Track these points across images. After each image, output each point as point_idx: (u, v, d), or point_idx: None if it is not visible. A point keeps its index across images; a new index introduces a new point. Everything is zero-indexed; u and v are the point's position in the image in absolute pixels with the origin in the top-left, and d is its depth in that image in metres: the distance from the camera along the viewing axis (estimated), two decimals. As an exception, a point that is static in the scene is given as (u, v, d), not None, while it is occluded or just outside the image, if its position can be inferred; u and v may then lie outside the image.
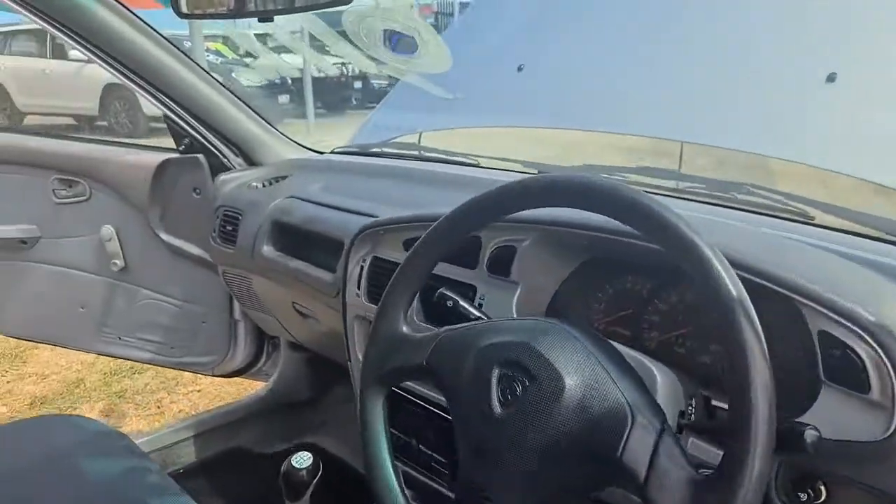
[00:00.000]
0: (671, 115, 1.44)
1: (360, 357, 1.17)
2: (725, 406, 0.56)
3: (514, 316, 0.92)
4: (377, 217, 1.23)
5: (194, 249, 1.73)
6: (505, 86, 1.55)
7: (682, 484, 0.53)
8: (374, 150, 1.67)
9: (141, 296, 1.84)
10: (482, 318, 0.81)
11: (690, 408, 0.66)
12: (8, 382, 2.67)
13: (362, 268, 1.14)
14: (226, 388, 2.55)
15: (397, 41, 1.43)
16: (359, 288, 1.14)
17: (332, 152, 1.70)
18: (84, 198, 1.80)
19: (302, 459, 0.90)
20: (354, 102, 11.62)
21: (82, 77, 8.05)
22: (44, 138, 1.82)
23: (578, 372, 0.61)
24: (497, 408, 0.62)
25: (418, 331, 0.76)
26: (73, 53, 8.40)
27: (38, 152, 1.80)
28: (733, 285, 0.54)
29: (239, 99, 1.53)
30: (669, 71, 1.49)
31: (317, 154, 1.69)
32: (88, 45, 1.36)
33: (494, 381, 0.63)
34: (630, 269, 0.93)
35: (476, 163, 1.49)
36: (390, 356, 0.75)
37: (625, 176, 1.23)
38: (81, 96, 8.17)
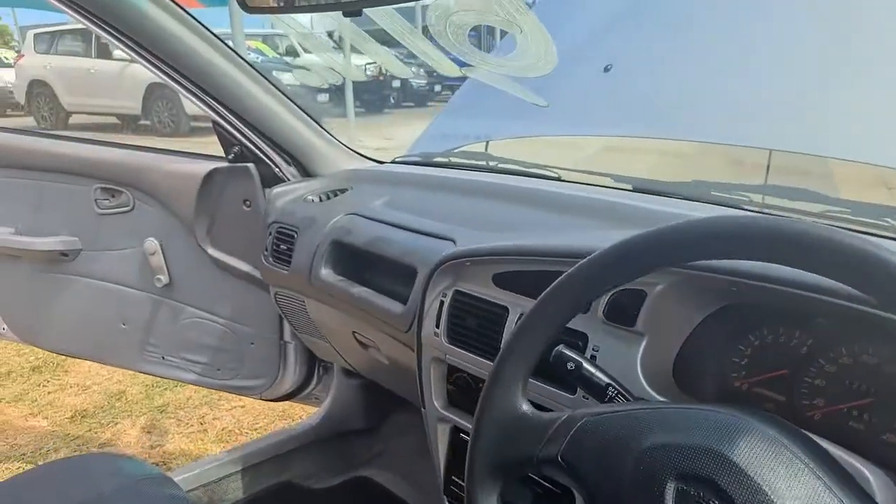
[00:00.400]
0: (780, 122, 1.24)
1: (436, 402, 1.02)
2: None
3: (640, 375, 0.75)
4: (453, 240, 1.08)
5: (243, 266, 1.60)
6: (588, 88, 1.37)
7: None
8: (439, 159, 1.52)
9: (186, 314, 1.72)
10: (616, 388, 0.65)
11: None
12: (49, 393, 2.60)
13: (442, 302, 0.98)
14: (270, 405, 2.43)
15: (489, 39, 1.26)
16: (437, 325, 0.98)
17: (392, 162, 1.55)
18: (127, 208, 1.69)
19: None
20: (392, 102, 11.55)
21: (126, 76, 8.10)
22: (86, 145, 1.71)
23: (793, 495, 0.44)
24: (676, 539, 0.46)
25: (541, 407, 0.60)
26: (118, 53, 8.48)
27: (80, 160, 1.69)
28: None
29: (294, 104, 1.39)
30: (777, 72, 1.30)
31: (376, 164, 1.54)
32: (134, 45, 1.24)
33: (671, 499, 0.47)
34: (783, 317, 0.75)
35: (557, 176, 1.32)
36: (509, 443, 0.59)
37: (749, 196, 1.05)
38: (125, 95, 8.23)
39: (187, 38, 1.21)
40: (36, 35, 9.71)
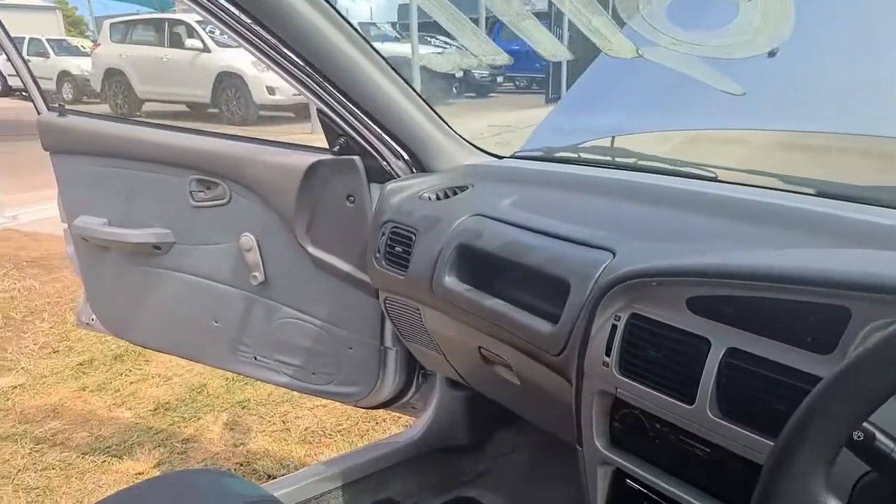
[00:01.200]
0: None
1: (598, 441, 0.87)
2: None
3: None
4: (612, 250, 0.92)
5: (344, 266, 1.49)
6: (745, 75, 1.19)
7: None
8: (565, 154, 1.36)
9: (281, 313, 1.62)
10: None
11: None
12: (131, 384, 2.58)
13: (615, 327, 0.82)
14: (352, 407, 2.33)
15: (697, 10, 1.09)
16: (608, 353, 0.83)
17: (512, 157, 1.40)
18: (223, 201, 1.60)
19: None
20: (454, 92, 11.42)
21: (197, 66, 8.22)
22: (183, 133, 1.63)
23: None
24: None
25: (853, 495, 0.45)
26: (189, 42, 8.61)
27: (176, 149, 1.61)
28: None
29: (415, 91, 1.25)
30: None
31: (495, 158, 1.39)
32: (243, 25, 1.13)
33: None
34: None
35: (714, 175, 1.15)
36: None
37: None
38: (196, 84, 8.35)
39: (307, 13, 1.09)
40: (111, 25, 9.98)
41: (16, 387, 2.57)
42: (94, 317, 1.94)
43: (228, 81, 8.02)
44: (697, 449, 0.77)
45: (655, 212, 1.03)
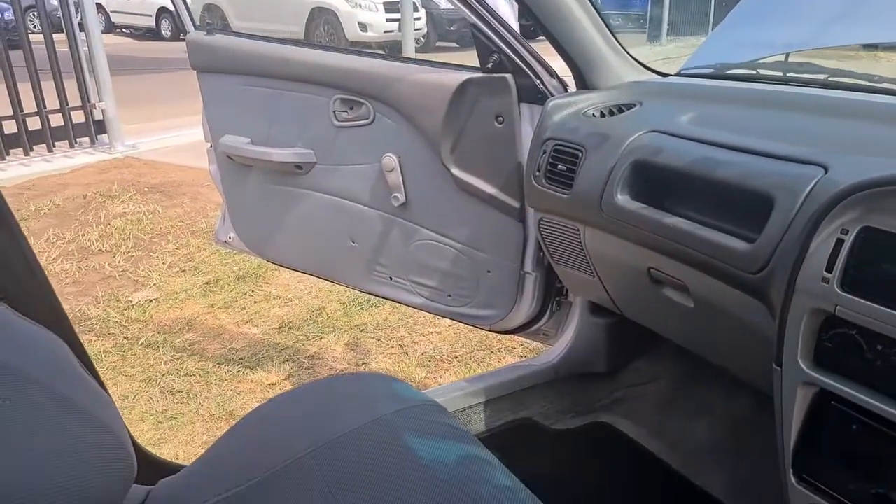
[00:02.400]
0: None
1: (802, 362, 0.83)
2: None
3: None
4: (823, 165, 0.86)
5: (488, 188, 1.48)
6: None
7: None
8: (739, 72, 1.28)
9: (420, 235, 1.65)
10: None
11: None
12: (255, 303, 2.72)
13: (840, 241, 0.78)
14: (467, 333, 2.38)
15: None
16: (829, 270, 0.78)
17: (678, 74, 1.33)
18: (367, 121, 1.62)
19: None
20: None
21: (291, 2, 8.26)
22: (328, 52, 1.64)
23: None
24: None
25: None
26: (283, -23, 8.64)
27: (320, 67, 1.63)
28: None
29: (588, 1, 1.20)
30: None
31: (659, 76, 1.32)
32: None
33: None
34: None
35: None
36: None
37: None
38: (290, 20, 8.43)
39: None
40: (207, -39, 10.14)
41: (151, 300, 2.76)
42: (232, 234, 2.04)
43: (321, 17, 8.05)
44: (926, 371, 0.73)
45: (863, 127, 0.96)
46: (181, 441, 1.91)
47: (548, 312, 1.61)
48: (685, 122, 1.11)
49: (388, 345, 2.38)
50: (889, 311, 0.73)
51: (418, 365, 2.25)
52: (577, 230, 1.24)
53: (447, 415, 1.09)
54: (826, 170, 0.86)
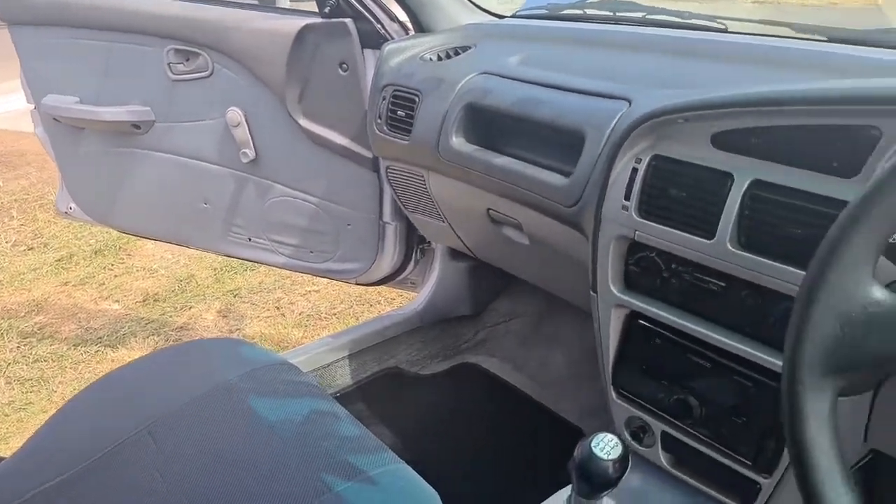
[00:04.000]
0: None
1: (613, 286, 0.89)
2: None
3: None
4: (628, 99, 0.91)
5: (339, 139, 1.45)
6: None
7: None
8: (571, 12, 1.31)
9: (275, 192, 1.60)
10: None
11: None
12: (116, 277, 2.56)
13: (635, 170, 0.83)
14: (346, 289, 2.37)
15: None
16: (627, 197, 0.83)
17: (514, 16, 1.34)
18: (205, 73, 1.52)
19: (606, 445, 0.65)
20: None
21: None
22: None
23: None
24: None
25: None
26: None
27: (150, 16, 1.50)
28: None
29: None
30: None
31: (496, 18, 1.33)
32: None
33: None
34: None
35: (724, 27, 1.12)
36: (860, 335, 0.46)
37: None
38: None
39: None
40: None
41: (-5, 283, 2.53)
42: (72, 204, 1.89)
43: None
44: (712, 284, 0.80)
45: (668, 62, 1.01)
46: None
47: (412, 261, 1.62)
48: (514, 63, 1.12)
49: (263, 308, 2.32)
50: (678, 232, 0.79)
51: (295, 326, 2.22)
52: (422, 176, 1.25)
53: (298, 373, 1.08)
54: (630, 103, 0.91)
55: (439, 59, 1.22)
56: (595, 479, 0.65)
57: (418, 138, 1.17)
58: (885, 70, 0.81)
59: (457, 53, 1.22)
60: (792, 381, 0.48)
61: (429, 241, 1.59)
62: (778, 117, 0.70)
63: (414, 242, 1.59)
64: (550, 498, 0.84)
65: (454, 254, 1.53)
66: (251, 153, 1.55)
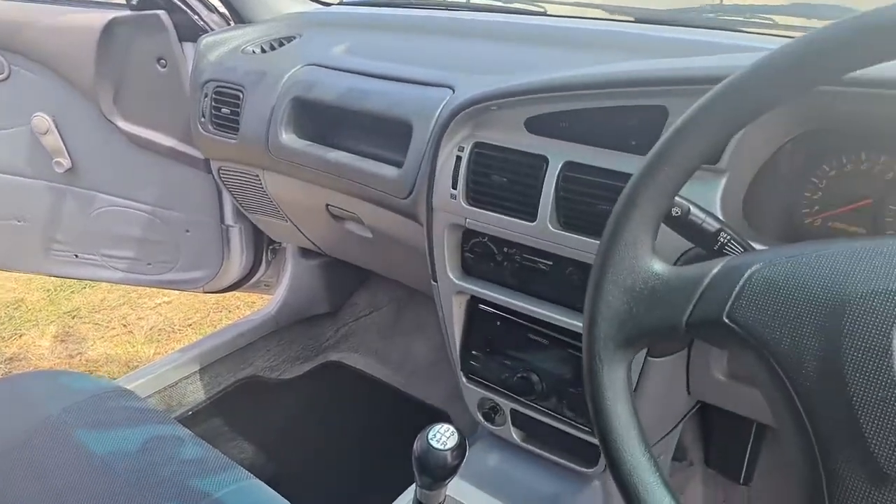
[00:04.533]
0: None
1: (451, 274, 0.90)
2: None
3: (720, 216, 0.66)
4: (451, 87, 0.92)
5: (165, 140, 1.35)
6: None
7: None
8: (398, -2, 1.29)
9: (99, 202, 1.46)
10: (727, 234, 0.55)
11: None
12: (-74, 310, 2.24)
13: (459, 158, 0.83)
14: (201, 297, 2.23)
15: None
16: (454, 186, 0.84)
17: (340, 3, 1.31)
18: (2, 76, 1.36)
19: (442, 436, 0.65)
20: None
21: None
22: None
23: None
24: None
25: (676, 265, 0.50)
26: None
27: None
28: None
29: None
30: None
31: (322, 6, 1.29)
32: None
33: (898, 353, 0.39)
34: (865, 142, 0.68)
35: (543, 10, 1.16)
36: (644, 310, 0.48)
37: (773, 19, 0.95)
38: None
39: None
40: None
41: None
42: None
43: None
44: (541, 264, 0.83)
45: (491, 48, 1.03)
46: None
47: (263, 262, 1.55)
48: (340, 53, 1.09)
49: (108, 327, 2.13)
50: (504, 217, 0.81)
51: (146, 342, 2.06)
52: (257, 175, 1.19)
53: (134, 398, 1.00)
54: (454, 90, 0.91)
55: (262, 51, 1.16)
56: (435, 470, 0.66)
57: (247, 136, 1.11)
58: (683, 48, 0.86)
59: (281, 44, 1.17)
60: (590, 356, 0.50)
61: (280, 241, 1.54)
62: (578, 101, 0.73)
63: (263, 243, 1.52)
64: (399, 497, 0.84)
65: (305, 252, 1.49)
66: (66, 162, 1.41)
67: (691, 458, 1.23)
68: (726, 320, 0.45)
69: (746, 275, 0.45)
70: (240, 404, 1.41)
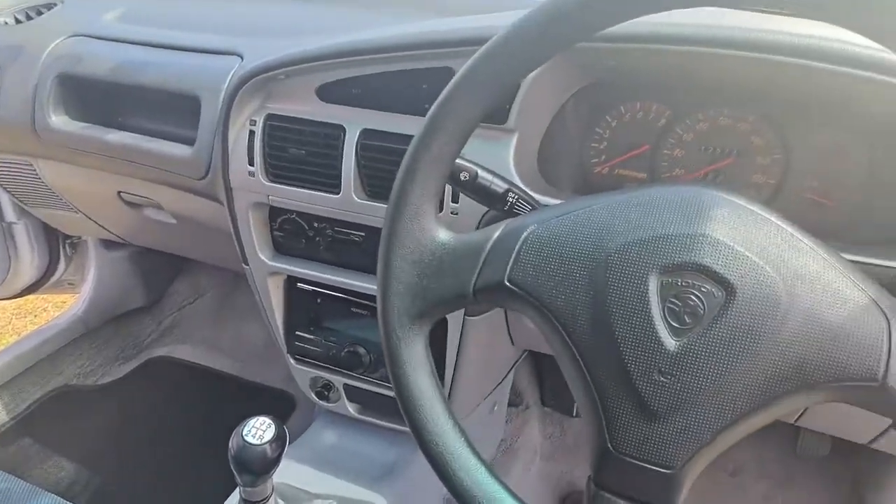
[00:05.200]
0: None
1: (262, 255, 0.85)
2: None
3: (515, 175, 0.68)
4: (239, 54, 0.85)
5: None
6: None
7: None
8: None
9: None
10: (516, 193, 0.56)
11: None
12: None
13: (252, 133, 0.78)
14: (4, 304, 1.96)
15: None
16: (251, 162, 0.78)
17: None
18: None
19: (258, 430, 0.61)
20: None
21: None
22: None
23: (785, 265, 0.41)
24: (669, 339, 0.41)
25: (459, 230, 0.50)
26: None
27: None
28: None
29: None
30: None
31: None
32: None
33: (655, 298, 0.42)
34: (639, 92, 0.73)
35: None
36: (434, 280, 0.48)
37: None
38: None
39: None
40: None
41: None
42: None
43: None
44: (353, 236, 0.81)
45: (278, 9, 0.96)
46: None
47: (61, 259, 1.38)
48: (112, 21, 0.97)
49: None
50: (308, 191, 0.77)
51: (-67, 364, 1.77)
52: (30, 165, 1.04)
53: None
54: (242, 58, 0.84)
55: (17, 21, 1.00)
56: (254, 466, 0.63)
57: (7, 121, 0.96)
58: (476, 5, 0.86)
59: (39, 13, 1.02)
60: (387, 331, 0.49)
61: (76, 235, 1.37)
62: (367, 66, 0.71)
63: (58, 238, 1.35)
64: (227, 500, 0.80)
65: (109, 244, 1.34)
66: None
67: (527, 402, 1.30)
68: (507, 283, 0.45)
69: (523, 237, 0.46)
70: (51, 420, 1.26)
